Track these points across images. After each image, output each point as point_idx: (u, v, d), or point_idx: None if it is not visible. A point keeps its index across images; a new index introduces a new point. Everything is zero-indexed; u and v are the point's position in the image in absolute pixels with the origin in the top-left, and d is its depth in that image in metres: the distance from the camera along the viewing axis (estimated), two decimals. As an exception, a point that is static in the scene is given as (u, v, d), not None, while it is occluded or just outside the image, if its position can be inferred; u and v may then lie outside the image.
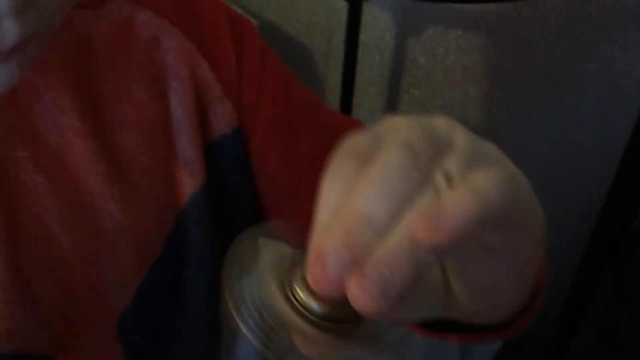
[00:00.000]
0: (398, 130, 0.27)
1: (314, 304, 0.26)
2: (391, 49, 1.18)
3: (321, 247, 0.25)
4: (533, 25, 1.04)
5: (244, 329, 0.26)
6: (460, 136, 0.28)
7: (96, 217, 0.46)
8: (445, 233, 0.24)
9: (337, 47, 1.22)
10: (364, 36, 1.14)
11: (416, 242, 0.24)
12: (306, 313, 0.26)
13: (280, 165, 0.53)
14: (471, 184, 0.25)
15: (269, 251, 0.28)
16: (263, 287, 0.27)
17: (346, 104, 1.17)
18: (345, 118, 0.59)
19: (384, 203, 0.25)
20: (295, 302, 0.26)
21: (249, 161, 0.52)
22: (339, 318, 0.26)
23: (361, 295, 0.24)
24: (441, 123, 0.28)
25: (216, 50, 0.50)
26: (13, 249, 0.42)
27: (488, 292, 0.31)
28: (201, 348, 0.52)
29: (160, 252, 0.48)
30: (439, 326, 0.38)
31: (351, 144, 0.28)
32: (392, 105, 1.24)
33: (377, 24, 1.17)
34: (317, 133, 0.54)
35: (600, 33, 1.00)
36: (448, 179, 0.26)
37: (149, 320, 0.49)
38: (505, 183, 0.26)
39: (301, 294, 0.26)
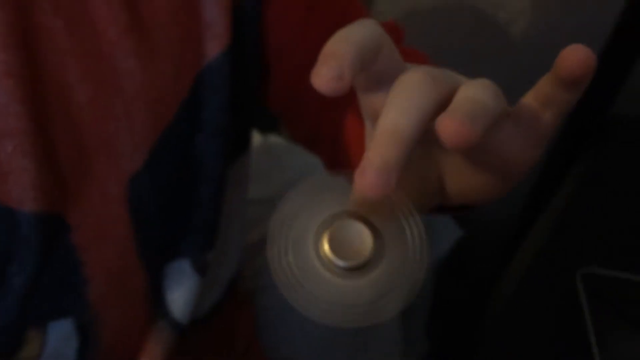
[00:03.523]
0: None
1: (334, 258, 0.30)
2: None
3: (364, 160, 0.27)
4: None
5: (275, 278, 0.29)
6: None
7: (114, 72, 0.44)
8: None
9: None
10: None
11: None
12: (328, 264, 0.30)
13: (295, 37, 0.52)
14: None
15: (316, 205, 0.31)
16: (299, 232, 0.30)
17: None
18: None
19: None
20: (320, 252, 0.30)
21: (265, 31, 0.51)
22: (354, 268, 0.30)
23: (451, 124, 0.25)
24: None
25: None
26: (34, 97, 0.41)
27: (476, 193, 0.35)
28: (205, 220, 0.53)
29: (175, 114, 0.47)
30: None
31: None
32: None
33: None
34: (332, 7, 0.53)
35: None
36: None
37: (158, 187, 0.48)
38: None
39: (326, 246, 0.30)
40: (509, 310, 0.58)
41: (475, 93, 0.27)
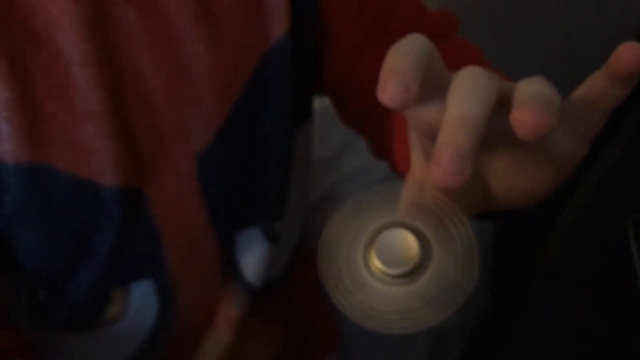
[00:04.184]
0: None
1: (382, 267, 0.30)
2: None
3: (437, 149, 0.27)
4: None
5: (328, 290, 0.30)
6: None
7: (184, 58, 0.47)
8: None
9: None
10: None
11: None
12: (378, 274, 0.30)
13: (349, 19, 0.54)
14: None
15: (362, 220, 0.32)
16: (348, 249, 0.31)
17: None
18: None
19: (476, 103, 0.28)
20: (370, 265, 0.30)
21: (322, 13, 0.53)
22: (404, 274, 0.30)
23: (528, 115, 0.26)
24: None
25: None
26: (112, 83, 0.44)
27: (522, 194, 0.35)
28: (273, 192, 0.55)
29: (240, 95, 0.50)
30: None
31: None
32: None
33: None
34: None
35: None
36: None
37: (226, 162, 0.51)
38: None
39: (375, 258, 0.30)
40: (562, 255, 0.59)
41: (537, 87, 0.28)
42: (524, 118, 0.26)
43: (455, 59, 0.39)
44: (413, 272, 0.30)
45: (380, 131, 0.54)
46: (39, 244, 0.46)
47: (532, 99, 0.27)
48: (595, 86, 0.31)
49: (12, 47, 0.41)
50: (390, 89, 0.27)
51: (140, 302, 0.51)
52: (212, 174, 0.50)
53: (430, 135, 0.32)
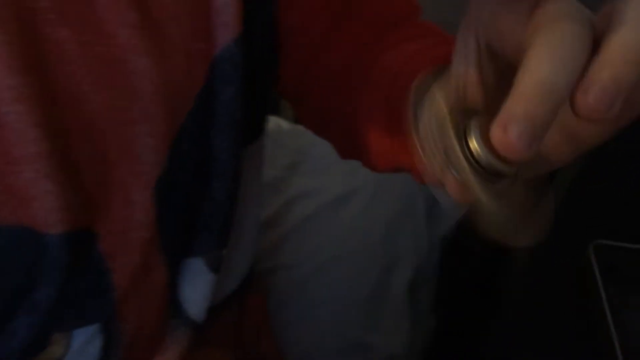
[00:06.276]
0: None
1: (482, 154, 0.27)
2: None
3: (507, 113, 0.24)
4: None
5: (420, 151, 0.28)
6: None
7: (128, 74, 0.42)
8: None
9: None
10: None
11: None
12: (471, 159, 0.27)
13: (309, 14, 0.52)
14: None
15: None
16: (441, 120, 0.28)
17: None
18: None
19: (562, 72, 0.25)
20: (466, 148, 0.27)
21: (278, 12, 0.50)
22: (499, 173, 0.27)
23: (590, 106, 0.24)
24: None
25: None
26: (50, 116, 0.38)
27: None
28: (218, 216, 0.51)
29: (190, 111, 0.46)
30: None
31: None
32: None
33: None
34: None
35: None
36: None
37: (179, 187, 0.47)
38: None
39: (474, 141, 0.27)
40: (520, 283, 0.59)
41: (629, 38, 0.25)
42: (586, 104, 0.24)
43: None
44: (501, 176, 0.27)
45: (348, 128, 0.51)
46: None
47: (599, 87, 0.24)
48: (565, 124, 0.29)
49: None
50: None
51: (83, 341, 0.47)
52: (165, 201, 0.46)
53: (498, 44, 0.28)
